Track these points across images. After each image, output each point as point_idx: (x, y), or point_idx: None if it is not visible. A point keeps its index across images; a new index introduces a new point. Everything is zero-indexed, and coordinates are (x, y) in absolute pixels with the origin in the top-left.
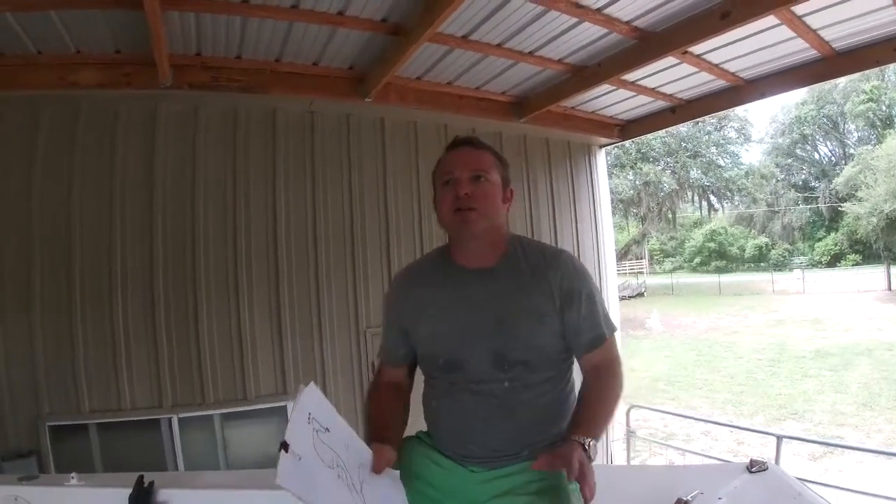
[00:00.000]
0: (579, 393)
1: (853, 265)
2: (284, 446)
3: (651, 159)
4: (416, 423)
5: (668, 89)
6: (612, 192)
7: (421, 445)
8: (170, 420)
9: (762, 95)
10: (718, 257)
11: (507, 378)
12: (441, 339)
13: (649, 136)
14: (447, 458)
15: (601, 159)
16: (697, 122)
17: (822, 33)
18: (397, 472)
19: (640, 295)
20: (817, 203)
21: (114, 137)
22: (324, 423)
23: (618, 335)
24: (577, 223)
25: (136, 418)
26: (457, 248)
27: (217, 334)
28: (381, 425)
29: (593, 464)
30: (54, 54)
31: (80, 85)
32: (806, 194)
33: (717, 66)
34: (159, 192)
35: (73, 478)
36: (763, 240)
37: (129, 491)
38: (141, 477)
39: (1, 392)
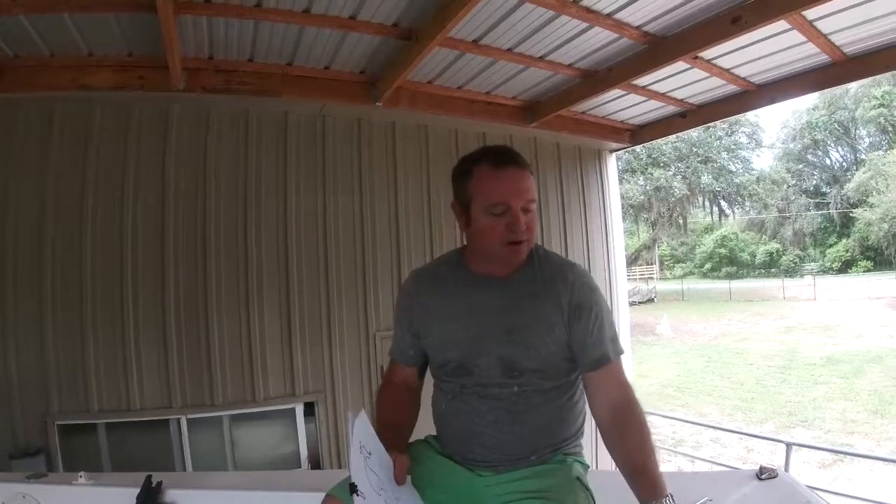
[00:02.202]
0: (618, 444)
1: (864, 271)
2: (354, 488)
3: (662, 164)
4: (426, 425)
5: (678, 94)
6: (622, 197)
7: (429, 449)
8: (178, 421)
9: (773, 100)
10: (729, 263)
11: (517, 384)
12: (452, 344)
13: (660, 141)
14: (455, 462)
15: (612, 164)
16: (708, 127)
17: (834, 38)
18: (409, 478)
19: (651, 300)
20: (828, 209)
21: (127, 139)
22: (368, 447)
23: (625, 357)
24: (587, 228)
25: (145, 418)
26: (476, 258)
27: (227, 336)
28: (390, 425)
29: (602, 470)
30: (67, 56)
31: (93, 87)
32: (817, 200)
33: (727, 70)
34: (171, 194)
35: (81, 477)
36: (774, 246)
37: (136, 490)
38: (149, 477)
39: (11, 390)
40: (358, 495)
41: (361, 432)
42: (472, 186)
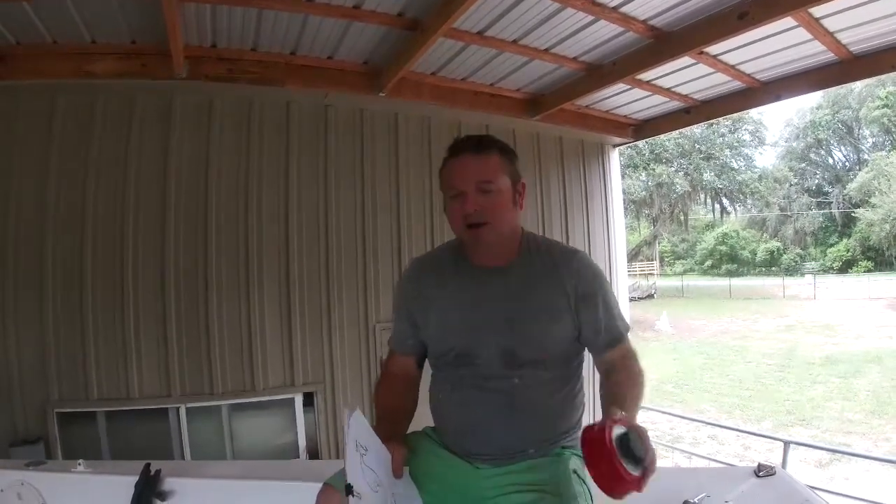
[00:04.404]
0: (606, 382)
1: (865, 272)
2: (349, 489)
3: (664, 160)
4: (423, 414)
5: (683, 90)
6: (624, 193)
7: (427, 441)
8: (178, 410)
9: (777, 98)
10: (730, 261)
11: (517, 376)
12: (452, 334)
13: (663, 136)
14: (453, 455)
15: (614, 159)
16: (712, 124)
17: (840, 36)
18: (407, 469)
19: (651, 297)
20: (830, 208)
21: (129, 127)
22: (364, 444)
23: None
24: (588, 223)
25: (144, 407)
26: (470, 250)
27: (227, 325)
28: (389, 416)
29: None
30: (70, 44)
31: (95, 74)
32: (819, 199)
33: (732, 67)
34: (173, 183)
35: (80, 464)
36: (775, 244)
37: (135, 478)
38: (147, 465)
39: (10, 378)
40: (354, 496)
41: (357, 429)
42: (441, 177)
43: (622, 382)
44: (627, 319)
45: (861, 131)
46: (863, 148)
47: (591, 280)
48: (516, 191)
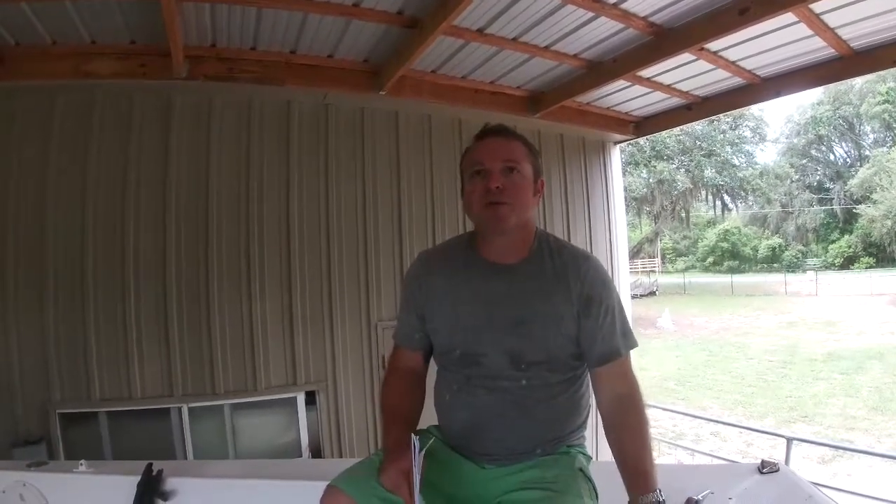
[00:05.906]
0: (617, 440)
1: (867, 268)
2: None
3: (665, 157)
4: (427, 410)
5: (683, 86)
6: (625, 190)
7: (433, 441)
8: (180, 409)
9: (778, 94)
10: (731, 257)
11: (525, 377)
12: (458, 332)
13: (664, 133)
14: (459, 455)
15: (615, 156)
16: (713, 121)
17: (840, 32)
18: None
19: (653, 294)
20: (832, 204)
21: (129, 127)
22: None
23: (634, 353)
24: (590, 220)
25: (146, 407)
26: (483, 240)
27: (228, 325)
28: (400, 418)
29: (603, 461)
30: (69, 44)
31: (95, 75)
32: (820, 195)
33: (733, 63)
34: (173, 183)
35: (82, 465)
36: (776, 241)
37: (137, 478)
38: (150, 465)
39: (12, 379)
40: None
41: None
42: (463, 162)
43: (638, 448)
44: (634, 336)
45: (862, 127)
46: (864, 144)
47: (598, 287)
48: (536, 184)
